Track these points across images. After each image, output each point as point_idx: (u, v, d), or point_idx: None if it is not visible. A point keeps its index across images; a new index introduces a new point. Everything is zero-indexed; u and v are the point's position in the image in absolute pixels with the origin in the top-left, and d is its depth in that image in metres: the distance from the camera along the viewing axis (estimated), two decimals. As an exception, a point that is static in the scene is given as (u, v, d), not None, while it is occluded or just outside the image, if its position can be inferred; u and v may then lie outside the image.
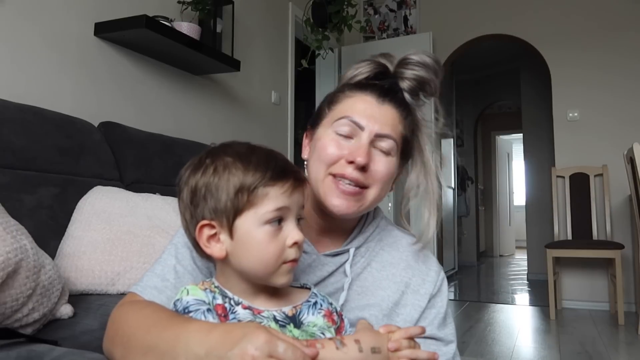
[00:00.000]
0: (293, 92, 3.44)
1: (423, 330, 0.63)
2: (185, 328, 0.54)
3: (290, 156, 3.35)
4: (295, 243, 0.62)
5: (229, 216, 0.61)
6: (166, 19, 2.03)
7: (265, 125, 3.12)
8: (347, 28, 3.17)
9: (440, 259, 4.36)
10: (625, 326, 3.01)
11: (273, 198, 0.61)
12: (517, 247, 8.40)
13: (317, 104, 0.87)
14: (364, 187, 0.74)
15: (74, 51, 1.82)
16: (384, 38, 4.31)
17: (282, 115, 3.34)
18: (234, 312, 0.61)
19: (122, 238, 1.31)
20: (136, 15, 1.88)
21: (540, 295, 4.15)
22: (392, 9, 4.34)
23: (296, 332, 0.62)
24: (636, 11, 3.57)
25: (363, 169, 0.73)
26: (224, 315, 0.61)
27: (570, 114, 3.72)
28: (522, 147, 5.57)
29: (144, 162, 1.75)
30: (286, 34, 3.42)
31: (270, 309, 0.63)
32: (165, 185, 1.73)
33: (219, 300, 0.62)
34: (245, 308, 0.62)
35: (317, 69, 4.02)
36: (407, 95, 0.81)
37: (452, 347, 0.80)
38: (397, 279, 0.80)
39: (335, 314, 0.68)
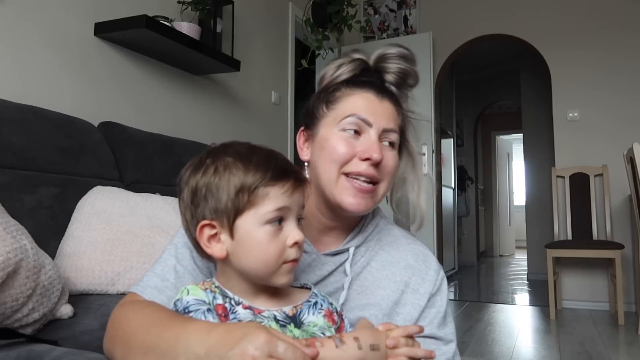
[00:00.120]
0: (293, 92, 3.44)
1: (421, 329, 0.63)
2: (186, 328, 0.54)
3: (290, 156, 3.35)
4: (296, 243, 0.62)
5: (230, 216, 0.61)
6: (166, 19, 2.03)
7: (265, 125, 3.12)
8: (347, 28, 3.17)
9: (440, 259, 4.36)
10: (625, 326, 3.01)
11: (273, 198, 0.61)
12: (517, 247, 8.40)
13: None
14: (376, 182, 0.76)
15: (74, 51, 1.82)
16: (384, 38, 4.31)
17: (282, 115, 3.34)
18: (235, 312, 0.61)
19: (122, 238, 1.31)
20: (136, 15, 1.88)
21: (540, 295, 4.15)
22: (392, 9, 4.34)
23: (297, 331, 0.62)
24: (636, 11, 3.57)
25: (376, 165, 0.74)
26: (224, 315, 0.61)
27: (570, 114, 3.72)
28: (522, 147, 5.57)
29: (144, 162, 1.75)
30: (286, 34, 3.42)
31: (270, 308, 0.63)
32: (165, 185, 1.73)
33: (220, 300, 0.62)
34: (245, 308, 0.62)
35: (317, 69, 4.01)
36: (393, 89, 0.83)
37: (452, 346, 0.80)
38: (396, 278, 0.80)
39: (335, 313, 0.68)
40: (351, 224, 0.82)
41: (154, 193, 1.54)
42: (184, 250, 0.74)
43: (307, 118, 0.82)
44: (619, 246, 3.15)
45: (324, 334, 0.63)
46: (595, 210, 3.54)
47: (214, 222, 0.62)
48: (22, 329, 0.92)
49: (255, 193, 0.60)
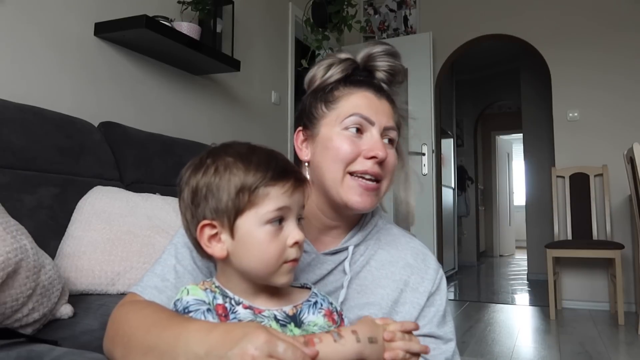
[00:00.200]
0: (293, 92, 3.44)
1: (417, 326, 0.63)
2: (185, 328, 0.55)
3: (290, 156, 3.34)
4: (296, 243, 0.62)
5: (230, 216, 0.61)
6: (166, 19, 2.03)
7: (265, 125, 3.12)
8: (347, 28, 3.17)
9: (440, 259, 4.36)
10: (625, 326, 3.01)
11: (274, 198, 0.61)
12: (517, 247, 8.41)
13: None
14: (379, 180, 0.77)
15: (74, 51, 1.82)
16: (384, 38, 4.31)
17: (282, 115, 3.34)
18: (235, 312, 0.61)
19: (122, 238, 1.31)
20: (136, 15, 1.88)
21: (540, 295, 4.15)
22: (392, 9, 4.34)
23: (297, 331, 0.62)
24: (636, 11, 3.57)
25: (381, 162, 0.75)
26: (224, 315, 0.61)
27: (570, 114, 3.72)
28: (522, 147, 5.57)
29: (144, 162, 1.75)
30: (286, 34, 3.42)
31: (271, 308, 0.63)
32: (165, 185, 1.73)
33: (220, 300, 0.62)
34: (246, 308, 0.62)
35: (317, 69, 4.01)
36: (385, 86, 0.84)
37: (452, 345, 0.80)
38: (396, 277, 0.80)
39: (335, 313, 0.68)
40: (351, 223, 0.83)
41: (154, 193, 1.54)
42: (184, 250, 0.74)
43: (304, 118, 0.82)
44: (619, 246, 3.15)
45: (324, 333, 0.63)
46: (595, 210, 3.54)
47: (214, 222, 0.62)
48: (22, 329, 0.92)
49: (255, 193, 0.60)
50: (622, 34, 3.58)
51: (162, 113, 2.25)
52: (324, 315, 0.66)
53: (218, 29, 2.37)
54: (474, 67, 6.26)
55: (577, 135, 3.69)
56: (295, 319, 0.64)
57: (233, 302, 0.62)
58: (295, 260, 0.63)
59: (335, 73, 0.82)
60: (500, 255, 7.75)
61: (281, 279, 0.62)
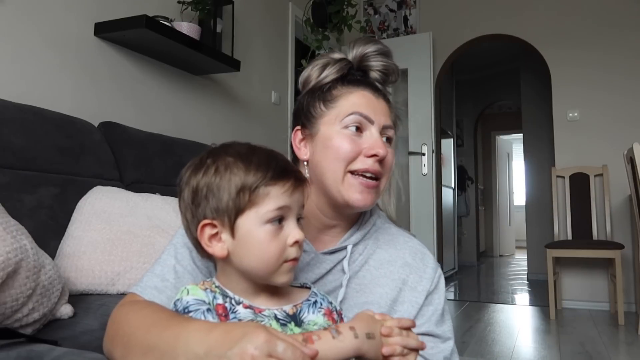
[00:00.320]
0: (293, 92, 3.44)
1: (414, 324, 0.64)
2: (185, 328, 0.55)
3: (290, 156, 3.35)
4: (296, 242, 0.62)
5: (231, 215, 0.61)
6: (166, 19, 2.03)
7: (265, 125, 3.12)
8: (347, 28, 3.17)
9: (440, 259, 4.36)
10: (625, 326, 3.01)
11: (274, 197, 0.61)
12: (517, 247, 8.41)
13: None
14: (379, 178, 0.77)
15: (74, 51, 1.83)
16: (384, 38, 4.31)
17: (282, 115, 3.34)
18: (235, 312, 0.61)
19: (122, 238, 1.31)
20: (136, 15, 1.88)
21: (540, 295, 4.15)
22: (392, 9, 4.34)
23: (297, 330, 0.62)
24: (636, 11, 3.57)
25: (381, 160, 0.76)
26: (224, 315, 0.61)
27: (570, 114, 3.72)
28: (522, 147, 5.57)
29: (144, 162, 1.75)
30: (286, 34, 3.42)
31: (271, 307, 0.63)
32: (165, 185, 1.73)
33: (220, 300, 0.62)
34: (246, 307, 0.62)
35: (317, 69, 4.01)
36: (379, 86, 0.84)
37: (450, 344, 0.80)
38: (394, 277, 0.80)
39: (335, 312, 0.68)
40: (350, 222, 0.83)
41: (154, 193, 1.54)
42: (184, 251, 0.74)
43: (302, 117, 0.82)
44: (619, 246, 3.15)
45: (323, 332, 0.63)
46: (595, 210, 3.54)
47: (215, 222, 0.62)
48: (22, 329, 0.92)
49: (256, 192, 0.60)
50: (622, 34, 3.58)
51: (162, 113, 2.25)
52: (324, 314, 0.66)
53: (218, 29, 2.38)
54: (474, 67, 6.26)
55: (577, 135, 3.69)
56: (296, 318, 0.64)
57: (233, 301, 0.63)
58: (296, 259, 0.63)
59: (331, 73, 0.82)
60: (500, 255, 7.75)
61: (281, 278, 0.62)
